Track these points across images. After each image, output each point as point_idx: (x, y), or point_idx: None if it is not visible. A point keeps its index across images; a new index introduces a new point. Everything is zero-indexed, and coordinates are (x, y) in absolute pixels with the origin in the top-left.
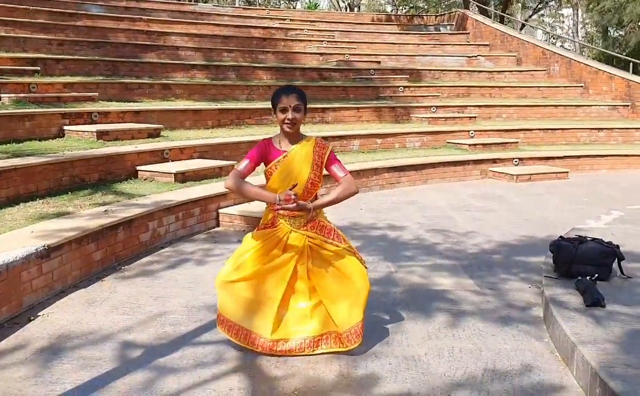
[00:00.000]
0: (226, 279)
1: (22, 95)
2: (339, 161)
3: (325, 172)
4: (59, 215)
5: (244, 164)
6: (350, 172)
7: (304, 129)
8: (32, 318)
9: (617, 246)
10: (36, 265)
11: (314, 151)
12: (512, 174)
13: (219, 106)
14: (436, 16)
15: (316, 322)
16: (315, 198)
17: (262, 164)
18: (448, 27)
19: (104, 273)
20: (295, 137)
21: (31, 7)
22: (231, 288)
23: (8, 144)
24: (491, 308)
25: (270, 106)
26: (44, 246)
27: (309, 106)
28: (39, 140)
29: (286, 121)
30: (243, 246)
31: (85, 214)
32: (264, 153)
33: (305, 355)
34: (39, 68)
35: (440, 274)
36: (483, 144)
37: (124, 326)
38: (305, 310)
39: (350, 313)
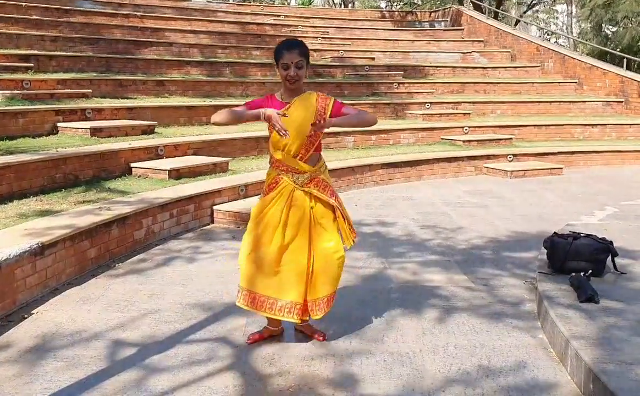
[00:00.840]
0: (248, 252)
1: (15, 92)
2: (345, 104)
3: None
4: (52, 213)
5: (239, 107)
6: (345, 168)
7: None
8: (26, 315)
9: (611, 242)
10: (30, 263)
11: (316, 101)
12: (506, 170)
13: (214, 102)
14: (430, 12)
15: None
16: (319, 150)
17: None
18: (442, 24)
19: (98, 270)
20: (297, 92)
21: (24, 3)
22: (257, 260)
23: (1, 142)
24: (485, 304)
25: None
26: (38, 243)
27: None
28: (33, 137)
29: (288, 78)
30: (252, 218)
31: (79, 211)
32: (265, 104)
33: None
34: (32, 65)
35: (434, 270)
36: (477, 140)
37: (117, 323)
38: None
39: (324, 288)
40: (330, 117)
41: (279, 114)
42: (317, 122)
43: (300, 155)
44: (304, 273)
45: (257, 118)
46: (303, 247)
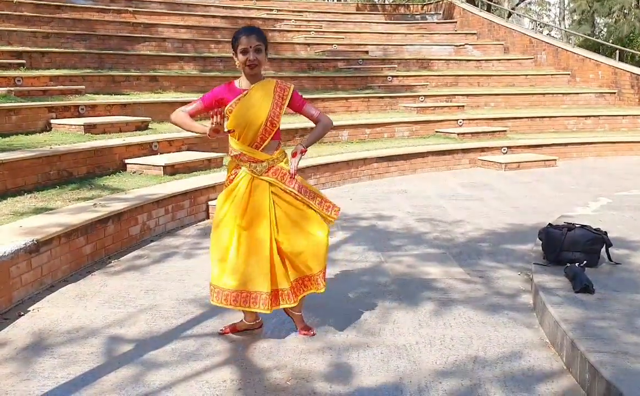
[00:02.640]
0: (216, 252)
1: (7, 89)
2: (306, 101)
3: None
4: (47, 210)
5: (195, 104)
6: (339, 162)
7: (292, 119)
8: (22, 313)
9: (605, 233)
10: (25, 260)
11: (274, 90)
12: (500, 163)
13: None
14: (423, 5)
15: (289, 270)
16: (277, 138)
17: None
18: (435, 16)
19: (93, 267)
20: (257, 78)
21: (15, 0)
22: (224, 255)
23: None
24: (481, 295)
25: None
26: (33, 240)
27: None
28: (26, 134)
29: (248, 63)
30: (217, 212)
31: (74, 208)
32: (222, 94)
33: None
34: (24, 61)
35: (430, 263)
36: (471, 133)
37: (114, 320)
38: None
39: (312, 263)
40: (289, 106)
41: (220, 123)
42: (291, 172)
43: (256, 143)
44: (268, 262)
45: (202, 132)
46: (265, 237)
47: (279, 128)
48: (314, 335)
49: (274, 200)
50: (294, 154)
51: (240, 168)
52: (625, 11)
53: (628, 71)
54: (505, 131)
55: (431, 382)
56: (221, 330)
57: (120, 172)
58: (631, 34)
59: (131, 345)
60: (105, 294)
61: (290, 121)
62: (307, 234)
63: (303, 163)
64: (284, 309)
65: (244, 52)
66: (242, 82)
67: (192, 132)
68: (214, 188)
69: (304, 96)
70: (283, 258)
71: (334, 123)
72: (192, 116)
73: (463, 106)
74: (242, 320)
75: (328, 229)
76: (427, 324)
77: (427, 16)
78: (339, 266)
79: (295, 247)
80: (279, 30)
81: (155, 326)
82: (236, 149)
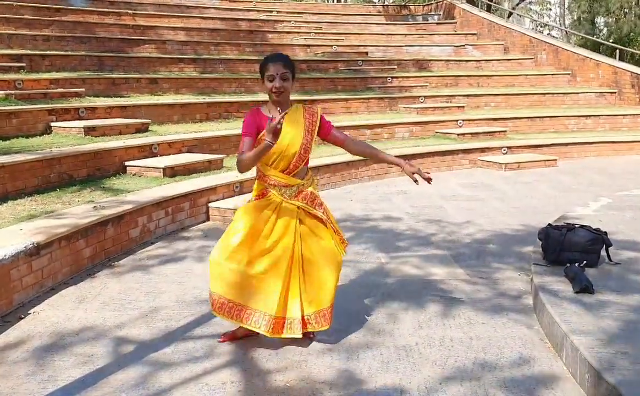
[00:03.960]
0: (219, 260)
1: (7, 92)
2: (332, 125)
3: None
4: (47, 212)
5: (245, 143)
6: (340, 163)
7: None
8: (23, 316)
9: (605, 233)
10: (26, 263)
11: (304, 116)
12: (500, 163)
13: (207, 99)
14: (423, 6)
15: (303, 302)
16: (306, 164)
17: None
18: (435, 17)
19: (94, 269)
20: (284, 106)
21: (15, 3)
22: (235, 267)
23: None
24: (481, 296)
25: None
26: (33, 243)
27: (298, 98)
28: (26, 137)
29: (274, 90)
30: (234, 222)
31: (74, 210)
32: (256, 122)
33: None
34: (24, 64)
35: (430, 264)
36: (471, 134)
37: (115, 322)
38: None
39: (320, 297)
40: (319, 134)
41: (277, 125)
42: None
43: (289, 170)
44: (282, 286)
45: (269, 148)
46: (283, 261)
47: (309, 155)
48: (313, 337)
49: (300, 219)
50: (414, 173)
51: (268, 191)
52: (625, 10)
53: (628, 71)
54: (505, 131)
55: (431, 384)
56: (220, 338)
57: (120, 174)
58: (631, 33)
59: (131, 347)
60: (106, 296)
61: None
62: (326, 256)
63: None
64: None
65: (271, 79)
66: (271, 111)
67: (259, 155)
68: (214, 190)
69: (303, 97)
70: (300, 286)
71: (334, 124)
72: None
73: (463, 107)
74: (240, 327)
75: (339, 270)
76: (428, 326)
77: (427, 17)
78: (342, 267)
79: (317, 262)
80: (279, 32)
81: (155, 328)
82: (268, 176)
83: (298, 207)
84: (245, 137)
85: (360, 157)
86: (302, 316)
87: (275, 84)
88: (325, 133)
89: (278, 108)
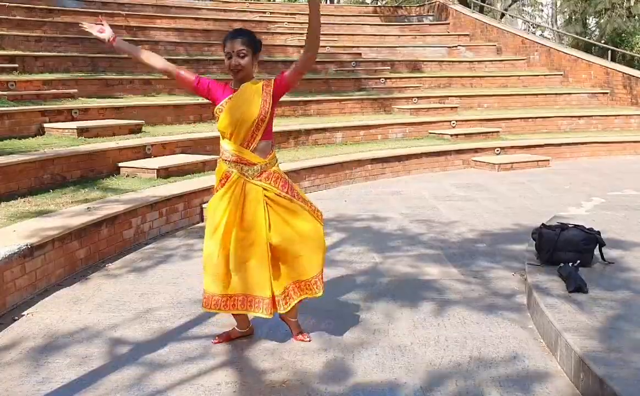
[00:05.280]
0: (211, 259)
1: (0, 93)
2: (284, 71)
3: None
4: (41, 214)
5: (188, 73)
6: (334, 164)
7: (286, 122)
8: (17, 317)
9: (598, 233)
10: (19, 264)
11: (263, 87)
12: (494, 163)
13: (201, 100)
14: (416, 7)
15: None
16: (269, 137)
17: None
18: (428, 18)
19: (88, 271)
20: (245, 82)
21: (7, 4)
22: (219, 261)
23: None
24: (476, 296)
25: None
26: (27, 245)
27: (291, 98)
28: (19, 138)
29: (231, 68)
30: (211, 217)
31: (68, 212)
32: (215, 88)
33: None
34: (17, 65)
35: (425, 264)
36: (465, 134)
37: (109, 323)
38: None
39: (310, 265)
40: (274, 93)
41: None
42: None
43: (247, 141)
44: (266, 266)
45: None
46: (262, 241)
47: (270, 127)
48: (309, 340)
49: (267, 203)
50: None
51: (230, 172)
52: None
53: (620, 71)
54: (498, 131)
55: (426, 383)
56: (214, 340)
57: (113, 175)
58: (622, 34)
59: (126, 348)
60: (100, 298)
61: (284, 124)
62: (304, 238)
63: (296, 165)
64: (280, 315)
65: (228, 56)
66: (234, 85)
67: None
68: (208, 191)
69: (297, 98)
70: (277, 263)
71: (328, 125)
72: (177, 74)
73: (456, 107)
74: (234, 328)
75: (322, 231)
76: (422, 325)
77: (420, 18)
78: (335, 267)
79: (292, 249)
80: (272, 33)
81: (149, 329)
82: (227, 150)
83: (263, 189)
84: (195, 76)
85: (355, 158)
86: (283, 290)
87: (232, 61)
88: (283, 84)
89: (241, 85)
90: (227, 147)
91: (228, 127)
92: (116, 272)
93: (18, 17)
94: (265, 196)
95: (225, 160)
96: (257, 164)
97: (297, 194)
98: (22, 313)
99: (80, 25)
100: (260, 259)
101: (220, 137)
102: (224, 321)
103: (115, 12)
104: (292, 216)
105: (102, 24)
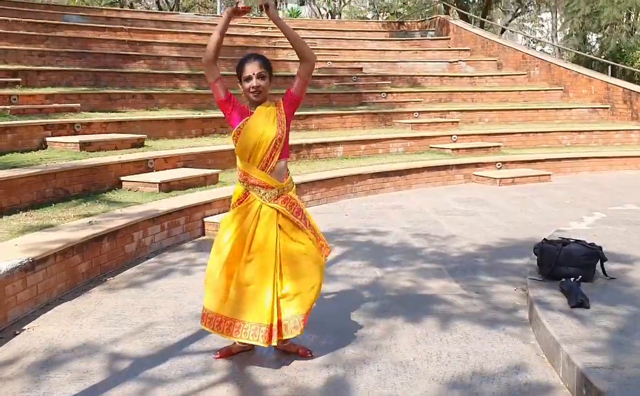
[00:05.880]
0: (212, 276)
1: (3, 107)
2: (290, 88)
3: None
4: (42, 227)
5: (223, 84)
6: (335, 178)
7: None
8: (18, 332)
9: (600, 248)
10: (21, 278)
11: (277, 108)
12: (495, 178)
13: (203, 114)
14: (417, 22)
15: (285, 305)
16: (285, 156)
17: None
18: (429, 33)
19: (89, 285)
20: (262, 103)
21: (10, 19)
22: (223, 281)
23: None
24: (478, 311)
25: None
26: (29, 259)
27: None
28: (21, 152)
29: (252, 90)
30: (220, 235)
31: (70, 225)
32: (238, 106)
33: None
34: (19, 79)
35: (426, 278)
36: (466, 149)
37: (111, 338)
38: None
39: (298, 306)
40: (286, 112)
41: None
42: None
43: (265, 162)
44: (271, 294)
45: (230, 13)
46: (269, 267)
47: (287, 145)
48: (311, 356)
49: (278, 233)
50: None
51: (248, 193)
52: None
53: (621, 86)
54: (499, 146)
55: None
56: (215, 354)
57: (115, 189)
58: (623, 49)
59: (128, 362)
60: (101, 312)
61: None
62: (303, 278)
63: (297, 179)
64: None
65: (248, 79)
66: (250, 107)
67: (225, 25)
68: (209, 205)
69: (298, 112)
70: (284, 289)
71: (329, 139)
72: (219, 79)
73: (457, 122)
74: (235, 343)
75: (322, 275)
76: (424, 341)
77: (421, 33)
78: (337, 282)
79: (291, 288)
80: (274, 48)
81: (151, 344)
82: (245, 172)
83: (278, 211)
84: (233, 96)
85: (356, 172)
86: (279, 320)
87: (252, 83)
88: (293, 100)
89: (256, 108)
90: (245, 170)
91: (245, 150)
92: (117, 286)
93: (21, 32)
94: (278, 224)
95: (243, 182)
96: (275, 188)
97: (309, 223)
98: (24, 327)
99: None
100: (262, 286)
101: (238, 159)
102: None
103: (118, 26)
104: (298, 250)
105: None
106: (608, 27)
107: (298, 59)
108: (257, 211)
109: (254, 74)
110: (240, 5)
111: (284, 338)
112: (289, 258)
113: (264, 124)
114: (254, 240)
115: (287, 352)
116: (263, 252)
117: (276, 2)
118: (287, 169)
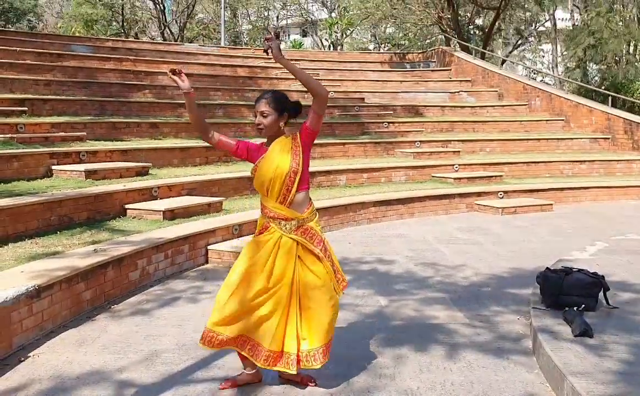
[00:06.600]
0: (218, 301)
1: (9, 135)
2: (305, 122)
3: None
4: (48, 255)
5: (229, 138)
6: (338, 206)
7: None
8: (23, 359)
9: (603, 277)
10: (26, 305)
11: (292, 141)
12: (497, 207)
13: (206, 143)
14: (419, 53)
15: (299, 338)
16: (304, 188)
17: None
18: (430, 64)
19: (94, 312)
20: (273, 139)
21: (18, 49)
22: (239, 302)
23: None
24: (482, 340)
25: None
26: (34, 286)
27: None
28: (27, 180)
29: (255, 127)
30: (237, 261)
31: (75, 253)
32: (253, 147)
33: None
34: (26, 109)
35: (430, 307)
36: (468, 178)
37: (116, 366)
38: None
39: (315, 335)
40: (302, 144)
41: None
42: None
43: (282, 195)
44: (283, 322)
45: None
46: (284, 296)
47: (306, 177)
48: (315, 385)
49: (297, 264)
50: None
51: (269, 225)
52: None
53: (621, 117)
54: (501, 175)
55: None
56: (221, 385)
57: (120, 217)
58: (624, 80)
59: (131, 391)
60: (106, 339)
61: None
62: (316, 311)
63: None
64: (279, 374)
65: (255, 116)
66: (267, 143)
67: (189, 107)
68: (213, 233)
69: None
70: (297, 323)
71: (332, 168)
72: (218, 141)
73: (459, 152)
74: (242, 373)
75: (336, 309)
76: (428, 369)
77: (422, 64)
78: (343, 310)
79: (305, 321)
80: (277, 78)
81: (155, 372)
82: (267, 208)
83: (297, 243)
84: (235, 140)
85: (358, 201)
86: (298, 353)
87: (255, 120)
88: (308, 132)
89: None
90: (264, 203)
91: (263, 184)
92: (122, 314)
93: (28, 62)
94: (297, 255)
95: (264, 215)
96: (294, 220)
97: (329, 255)
98: (28, 354)
99: (167, 74)
100: (277, 313)
101: (261, 195)
102: (230, 365)
103: (123, 57)
104: (315, 283)
105: (182, 74)
106: (610, 58)
107: (300, 89)
108: (277, 242)
109: (257, 112)
110: (176, 68)
111: (302, 367)
112: (305, 290)
113: (278, 158)
114: (274, 270)
115: (292, 382)
116: (280, 284)
117: (277, 36)
118: (310, 200)
